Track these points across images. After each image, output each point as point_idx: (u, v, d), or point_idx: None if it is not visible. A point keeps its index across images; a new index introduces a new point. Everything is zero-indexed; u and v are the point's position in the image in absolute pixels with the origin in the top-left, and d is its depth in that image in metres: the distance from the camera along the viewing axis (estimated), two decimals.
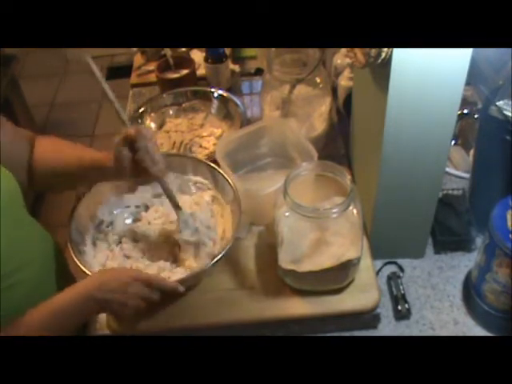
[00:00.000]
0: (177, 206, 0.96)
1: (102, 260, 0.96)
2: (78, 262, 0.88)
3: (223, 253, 0.89)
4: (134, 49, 1.64)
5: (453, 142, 1.23)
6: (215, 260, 0.88)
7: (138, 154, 0.83)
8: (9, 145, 0.85)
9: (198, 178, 1.07)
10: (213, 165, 1.04)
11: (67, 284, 0.98)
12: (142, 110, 1.34)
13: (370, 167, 0.98)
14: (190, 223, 0.95)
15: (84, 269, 0.87)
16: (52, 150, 0.91)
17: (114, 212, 1.04)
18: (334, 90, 1.26)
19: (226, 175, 1.01)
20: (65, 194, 0.98)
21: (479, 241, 1.04)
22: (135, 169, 0.85)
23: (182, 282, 0.86)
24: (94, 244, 0.98)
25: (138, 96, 1.50)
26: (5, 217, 0.78)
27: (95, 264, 0.94)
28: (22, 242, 0.83)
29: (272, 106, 1.22)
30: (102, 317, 0.96)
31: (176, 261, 0.96)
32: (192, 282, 0.94)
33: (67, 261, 0.98)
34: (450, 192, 1.10)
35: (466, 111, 1.25)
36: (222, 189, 1.03)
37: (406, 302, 0.96)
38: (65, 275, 0.97)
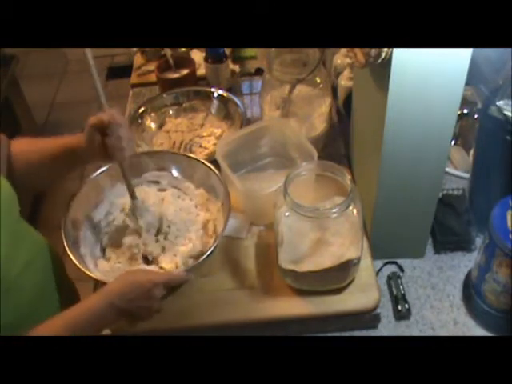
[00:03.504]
0: (132, 195, 0.96)
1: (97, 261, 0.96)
2: (77, 264, 0.87)
3: (211, 250, 0.87)
4: (134, 49, 1.64)
5: (453, 142, 1.23)
6: (203, 258, 0.87)
7: (107, 139, 0.84)
8: None
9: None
10: (206, 162, 1.03)
11: (67, 288, 0.98)
12: (142, 109, 1.34)
13: (369, 167, 0.98)
14: (142, 210, 0.96)
15: (85, 271, 0.87)
16: (27, 143, 0.93)
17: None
18: (334, 90, 1.26)
19: (217, 172, 1.01)
20: (63, 194, 0.97)
21: (479, 241, 1.04)
22: (103, 151, 0.86)
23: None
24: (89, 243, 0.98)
25: (138, 96, 1.50)
26: (4, 227, 0.78)
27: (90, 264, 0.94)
28: (19, 249, 0.83)
29: (272, 105, 1.22)
30: None
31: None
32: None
33: (64, 264, 0.98)
34: (450, 192, 1.10)
35: (466, 111, 1.25)
36: (213, 187, 1.02)
37: (406, 302, 0.96)
38: (64, 279, 0.97)
